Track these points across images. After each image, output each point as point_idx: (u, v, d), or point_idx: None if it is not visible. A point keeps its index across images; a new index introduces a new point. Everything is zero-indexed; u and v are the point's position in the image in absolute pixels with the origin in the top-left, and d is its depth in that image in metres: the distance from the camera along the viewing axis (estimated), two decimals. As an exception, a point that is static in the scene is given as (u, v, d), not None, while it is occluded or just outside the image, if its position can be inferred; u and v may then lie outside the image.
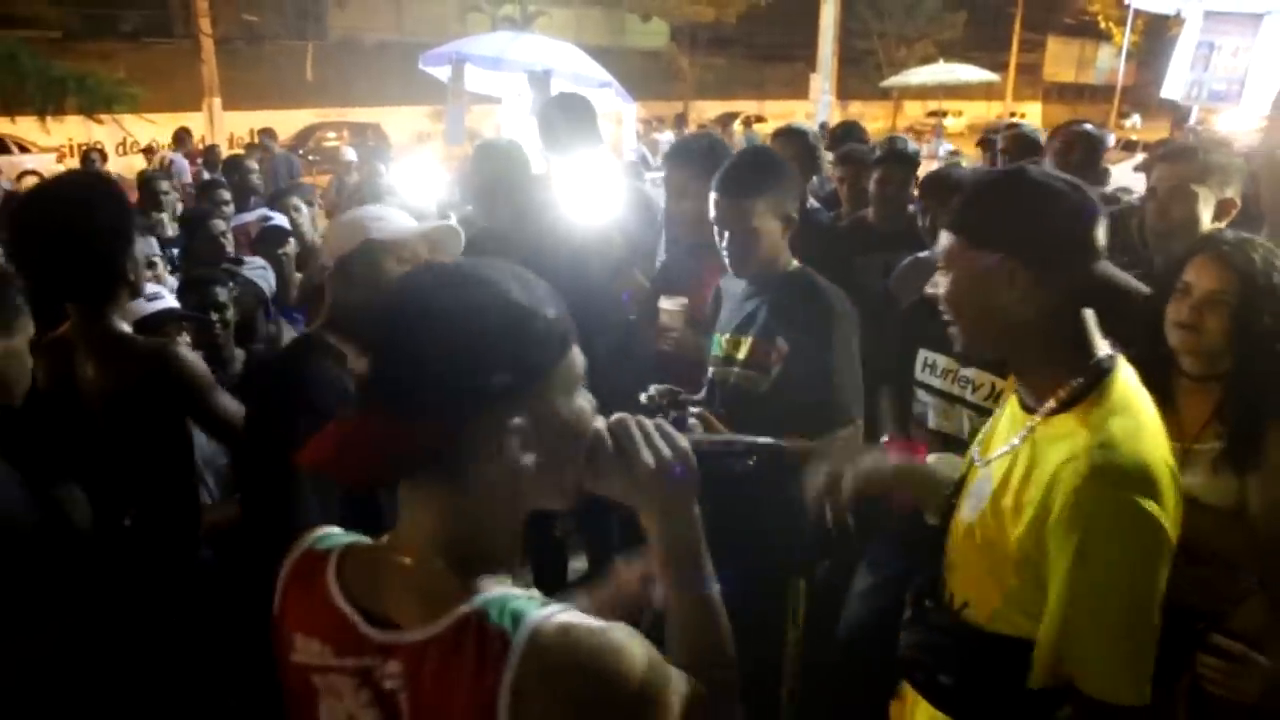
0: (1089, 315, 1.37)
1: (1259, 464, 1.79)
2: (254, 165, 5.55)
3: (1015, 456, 1.40)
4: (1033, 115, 34.86)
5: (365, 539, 1.03)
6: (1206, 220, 2.30)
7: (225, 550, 2.20)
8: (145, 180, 5.15)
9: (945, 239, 1.41)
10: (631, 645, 0.89)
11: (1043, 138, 3.93)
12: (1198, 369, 1.89)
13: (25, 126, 11.68)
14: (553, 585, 3.20)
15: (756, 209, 2.19)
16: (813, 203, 3.71)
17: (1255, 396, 1.81)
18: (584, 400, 1.00)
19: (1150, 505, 1.23)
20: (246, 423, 1.96)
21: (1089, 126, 3.37)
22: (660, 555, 1.06)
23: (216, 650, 2.03)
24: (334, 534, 1.05)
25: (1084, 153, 3.22)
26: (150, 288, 3.16)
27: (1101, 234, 1.33)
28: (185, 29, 22.67)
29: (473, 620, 0.89)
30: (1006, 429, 1.48)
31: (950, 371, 2.29)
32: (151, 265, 3.53)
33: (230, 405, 2.08)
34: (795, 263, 2.31)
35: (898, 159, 3.52)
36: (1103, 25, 33.11)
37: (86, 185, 2.17)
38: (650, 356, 2.69)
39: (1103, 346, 1.37)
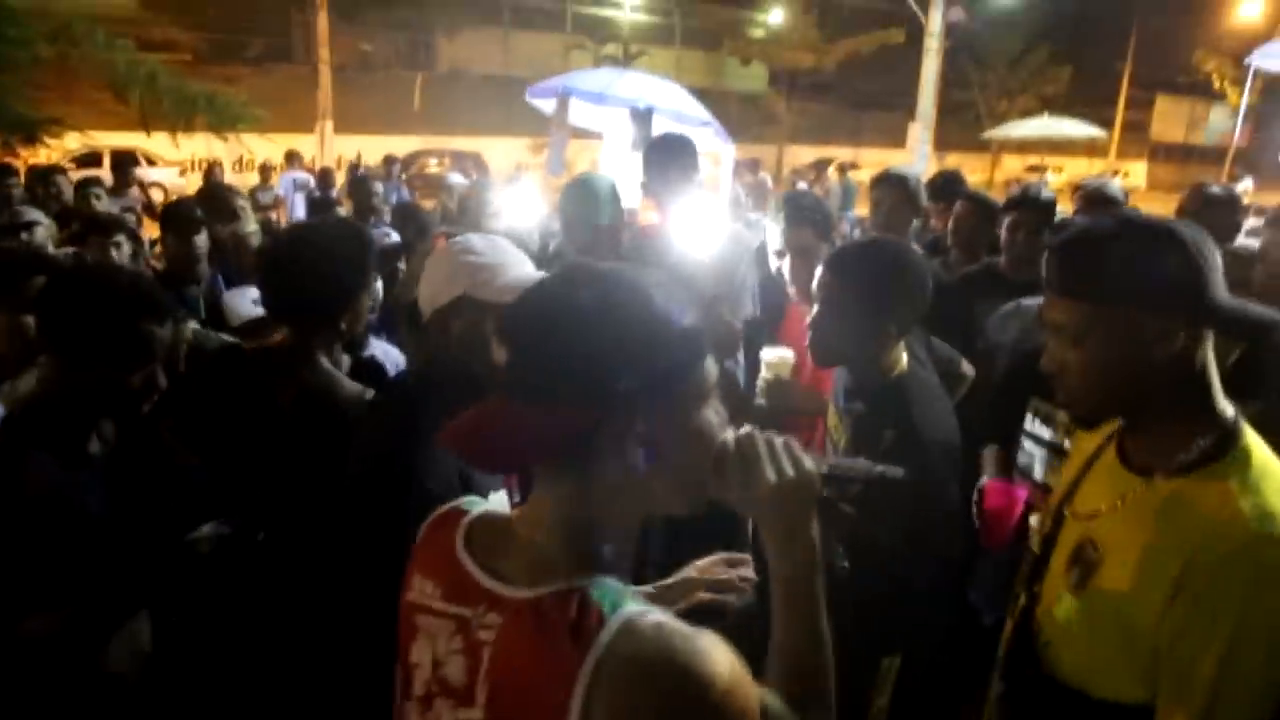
0: (1213, 367, 1.29)
1: None
2: (378, 187, 5.78)
3: (1128, 520, 1.29)
4: (1137, 174, 33.90)
5: (501, 511, 1.09)
6: None
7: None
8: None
9: (1062, 307, 1.32)
10: (721, 654, 0.89)
11: (1122, 194, 3.80)
12: None
13: (155, 141, 12.42)
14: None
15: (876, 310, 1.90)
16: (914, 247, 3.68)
17: None
18: (713, 411, 1.01)
19: None
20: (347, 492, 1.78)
21: (1217, 187, 3.28)
22: (774, 574, 1.07)
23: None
24: (477, 501, 1.11)
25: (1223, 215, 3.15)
26: (257, 293, 3.32)
27: (1218, 260, 1.26)
28: (305, 56, 23.81)
29: (575, 594, 0.92)
30: (1105, 484, 1.37)
31: (1064, 425, 2.22)
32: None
33: None
34: (903, 365, 1.97)
35: (1031, 205, 3.35)
36: (1217, 85, 32.05)
37: (341, 235, 2.27)
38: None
39: (1227, 405, 1.29)
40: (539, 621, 0.92)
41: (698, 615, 0.99)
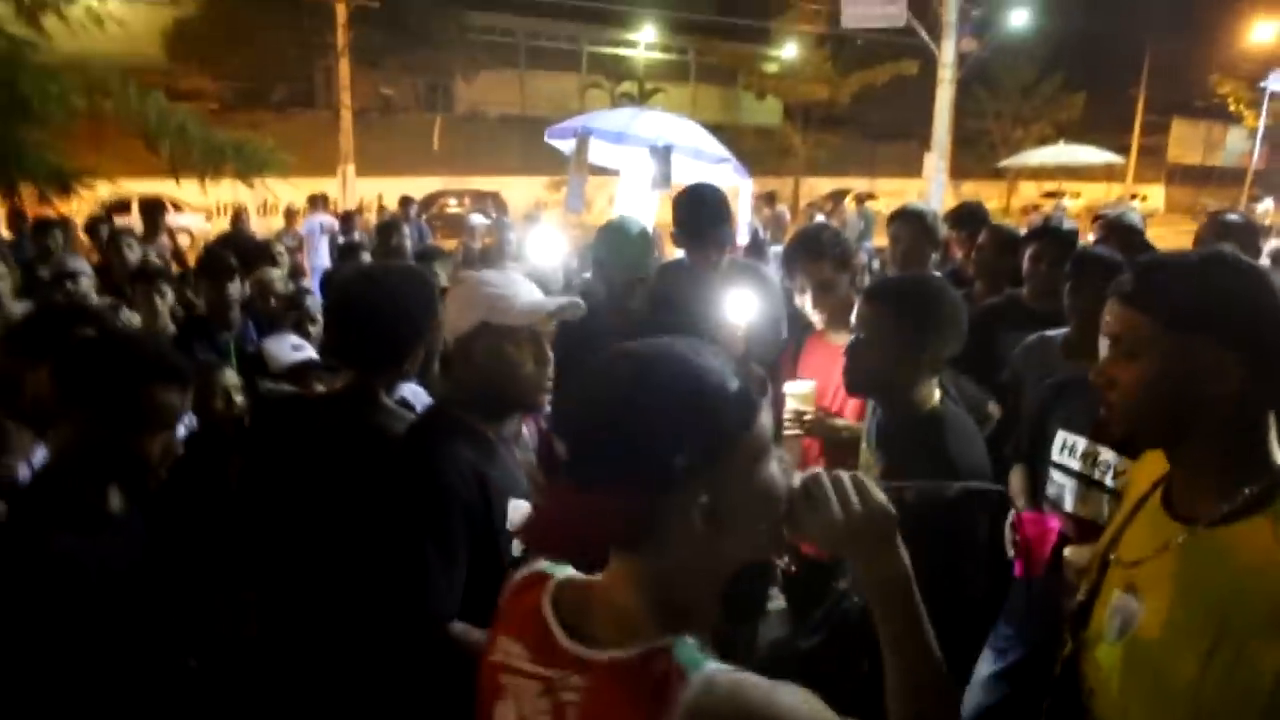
0: (1271, 417, 1.25)
1: None
2: (406, 230, 5.93)
3: (1169, 568, 1.26)
4: (1155, 198, 33.78)
5: (583, 575, 1.11)
6: None
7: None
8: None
9: (1127, 316, 1.29)
10: (800, 702, 0.91)
11: (1141, 222, 3.81)
12: None
13: (183, 188, 12.72)
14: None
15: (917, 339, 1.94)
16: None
17: None
18: (774, 464, 1.04)
19: None
20: (375, 498, 1.88)
21: (1234, 215, 3.30)
22: (871, 604, 1.10)
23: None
24: (561, 566, 1.13)
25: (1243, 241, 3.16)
26: (294, 339, 3.40)
27: None
28: (327, 101, 24.27)
29: (659, 655, 0.94)
30: (1149, 531, 1.34)
31: (1089, 455, 2.25)
32: (306, 322, 3.78)
33: None
34: (935, 400, 2.00)
35: (1052, 236, 3.39)
36: (1233, 108, 31.97)
37: (409, 279, 2.29)
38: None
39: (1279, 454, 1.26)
40: (623, 683, 0.94)
41: (779, 670, 1.02)
